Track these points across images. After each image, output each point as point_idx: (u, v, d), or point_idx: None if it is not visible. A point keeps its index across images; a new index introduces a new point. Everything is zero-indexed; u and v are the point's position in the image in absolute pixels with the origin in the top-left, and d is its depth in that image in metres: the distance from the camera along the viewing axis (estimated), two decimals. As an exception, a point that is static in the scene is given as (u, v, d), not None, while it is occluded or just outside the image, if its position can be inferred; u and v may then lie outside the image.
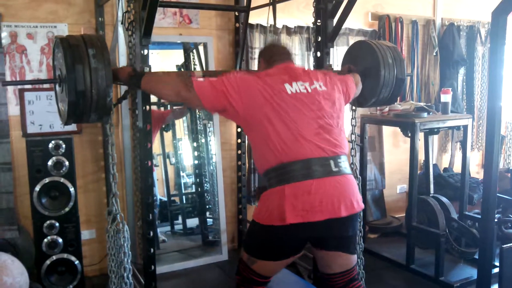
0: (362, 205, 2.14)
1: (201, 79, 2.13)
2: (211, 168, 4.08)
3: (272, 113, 2.04)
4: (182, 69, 4.12)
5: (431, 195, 3.98)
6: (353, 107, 2.88)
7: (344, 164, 2.11)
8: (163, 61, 4.23)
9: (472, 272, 3.44)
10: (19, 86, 3.21)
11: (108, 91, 2.02)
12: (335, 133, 2.13)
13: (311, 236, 2.11)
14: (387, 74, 2.66)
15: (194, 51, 4.05)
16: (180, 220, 4.28)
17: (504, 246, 2.33)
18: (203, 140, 4.17)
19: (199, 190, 4.24)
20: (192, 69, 4.08)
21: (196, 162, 4.20)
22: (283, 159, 2.02)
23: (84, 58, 1.97)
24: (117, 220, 2.24)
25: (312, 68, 3.00)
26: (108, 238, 2.28)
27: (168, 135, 4.25)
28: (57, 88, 2.19)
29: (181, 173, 4.32)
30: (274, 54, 2.33)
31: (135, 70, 2.22)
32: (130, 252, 2.26)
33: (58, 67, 2.12)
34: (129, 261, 2.25)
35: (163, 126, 4.07)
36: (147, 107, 2.34)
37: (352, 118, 2.90)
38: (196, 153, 4.19)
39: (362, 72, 2.70)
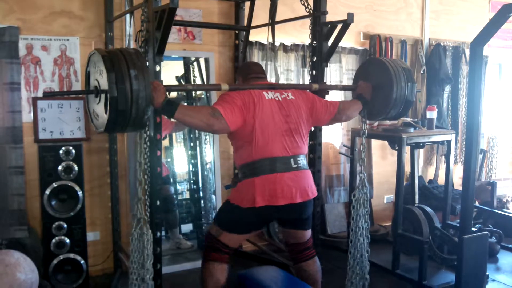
0: (315, 194, 2.69)
1: (226, 88, 2.55)
2: (206, 175, 4.28)
3: (257, 118, 2.49)
4: (182, 81, 4.31)
5: (416, 205, 4.21)
6: (363, 119, 2.97)
7: (302, 161, 2.62)
8: (163, 72, 4.40)
9: (452, 277, 3.61)
10: (32, 95, 3.41)
11: (147, 110, 2.14)
12: (297, 137, 2.61)
13: (274, 217, 2.66)
14: (398, 96, 2.72)
15: (194, 63, 4.27)
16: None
17: (465, 236, 2.57)
18: (198, 149, 4.36)
19: (196, 196, 4.43)
20: (192, 81, 4.28)
21: (192, 169, 4.40)
22: (255, 157, 2.52)
23: (126, 79, 2.04)
24: (140, 224, 2.32)
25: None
26: (132, 241, 2.34)
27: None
28: (93, 97, 2.26)
29: (175, 180, 4.47)
30: (251, 73, 2.79)
31: (169, 100, 2.28)
32: (152, 255, 2.34)
33: (95, 79, 2.20)
34: (151, 263, 2.32)
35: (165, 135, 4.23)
36: (158, 118, 2.55)
37: (361, 130, 3.00)
38: (192, 161, 4.39)
39: (373, 88, 2.84)
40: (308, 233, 2.81)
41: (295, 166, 2.57)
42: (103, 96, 2.11)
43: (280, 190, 2.50)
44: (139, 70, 2.09)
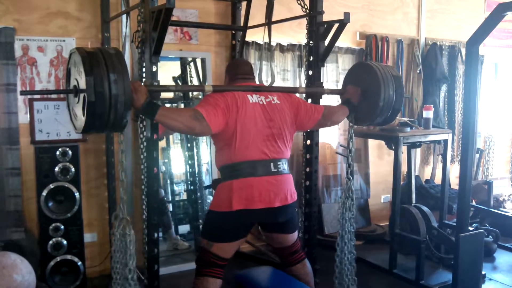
0: (295, 198, 2.64)
1: (210, 90, 2.50)
2: (203, 176, 4.28)
3: (239, 121, 2.46)
4: (178, 81, 4.31)
5: (413, 204, 4.22)
6: (350, 124, 2.93)
7: (283, 166, 2.59)
8: (159, 72, 4.40)
9: (450, 277, 3.63)
10: (29, 96, 3.40)
11: (125, 115, 2.08)
12: (280, 141, 2.58)
13: (252, 221, 2.59)
14: (385, 104, 2.70)
15: (191, 64, 4.27)
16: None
17: (461, 234, 2.57)
18: (195, 149, 4.35)
19: (193, 197, 4.42)
20: (189, 81, 4.29)
21: (189, 170, 4.39)
22: (235, 159, 2.49)
23: (105, 83, 1.99)
24: (123, 224, 2.29)
25: (304, 84, 3.24)
26: (115, 241, 2.31)
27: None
28: (72, 97, 2.21)
29: (172, 181, 4.47)
30: (238, 73, 2.74)
31: (150, 102, 2.22)
32: (135, 255, 2.32)
33: (75, 78, 2.14)
34: (134, 263, 2.30)
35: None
36: (155, 118, 2.55)
37: (349, 134, 2.95)
38: (190, 162, 4.38)
39: (361, 92, 2.79)
40: (292, 236, 2.75)
41: (275, 170, 2.54)
42: (81, 96, 2.06)
43: (257, 194, 2.47)
44: (119, 73, 2.03)
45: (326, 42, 3.05)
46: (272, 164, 2.53)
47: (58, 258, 3.38)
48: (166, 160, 4.38)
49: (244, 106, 2.49)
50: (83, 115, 2.06)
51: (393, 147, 3.85)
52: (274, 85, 3.23)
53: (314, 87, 3.09)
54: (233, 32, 4.03)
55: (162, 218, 4.16)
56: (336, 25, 2.93)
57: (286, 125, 2.60)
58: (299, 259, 2.79)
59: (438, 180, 5.09)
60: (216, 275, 2.54)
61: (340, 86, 4.63)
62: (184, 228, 4.42)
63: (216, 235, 2.56)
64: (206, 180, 4.32)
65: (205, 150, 4.31)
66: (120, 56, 2.10)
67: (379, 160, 5.11)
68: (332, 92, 3.16)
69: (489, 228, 4.50)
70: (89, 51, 2.07)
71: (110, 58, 2.05)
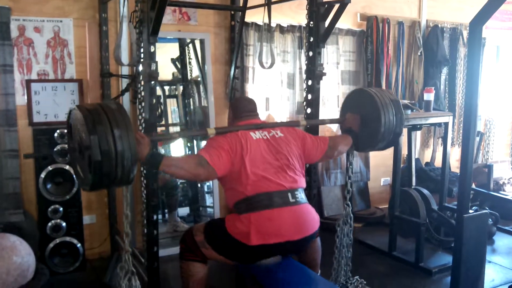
0: (317, 227, 2.54)
1: (213, 133, 2.51)
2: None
3: (245, 158, 2.42)
4: (177, 63, 4.28)
5: (413, 187, 4.21)
6: (351, 154, 2.96)
7: (300, 195, 2.51)
8: (158, 54, 4.36)
9: (449, 259, 3.64)
10: (25, 77, 3.37)
11: (132, 169, 2.00)
12: (291, 172, 2.51)
13: (269, 255, 2.48)
14: (386, 130, 2.68)
15: (190, 45, 4.22)
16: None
17: (465, 215, 2.56)
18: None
19: (193, 180, 4.41)
20: (188, 63, 4.25)
21: (189, 152, 4.36)
22: (248, 193, 2.41)
23: (110, 141, 1.91)
24: (128, 275, 2.25)
25: (304, 66, 3.20)
26: None
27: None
28: (77, 154, 2.08)
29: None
30: (242, 111, 2.72)
31: (154, 153, 2.22)
32: None
33: (78, 135, 2.02)
34: None
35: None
36: (154, 100, 2.52)
37: (349, 161, 3.00)
38: (189, 144, 4.37)
39: (361, 119, 2.79)
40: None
41: (293, 200, 2.45)
42: (87, 154, 1.96)
43: (277, 228, 2.37)
44: (123, 128, 1.95)
45: (327, 23, 3.00)
46: (290, 194, 2.46)
47: (57, 240, 3.39)
48: (166, 144, 4.36)
49: (249, 144, 2.47)
50: (89, 173, 1.97)
51: (394, 130, 3.82)
52: (274, 66, 3.19)
53: (315, 120, 3.06)
54: (232, 12, 3.98)
55: (169, 200, 4.20)
56: (337, 6, 2.88)
57: (294, 156, 2.57)
58: None
59: (438, 163, 5.08)
60: (201, 260, 2.51)
61: (340, 69, 4.63)
62: (184, 211, 4.43)
63: (219, 248, 2.48)
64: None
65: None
66: (121, 110, 2.02)
67: (379, 143, 5.08)
68: (332, 121, 3.15)
69: (489, 211, 4.50)
70: (90, 108, 1.98)
71: (112, 113, 1.97)
